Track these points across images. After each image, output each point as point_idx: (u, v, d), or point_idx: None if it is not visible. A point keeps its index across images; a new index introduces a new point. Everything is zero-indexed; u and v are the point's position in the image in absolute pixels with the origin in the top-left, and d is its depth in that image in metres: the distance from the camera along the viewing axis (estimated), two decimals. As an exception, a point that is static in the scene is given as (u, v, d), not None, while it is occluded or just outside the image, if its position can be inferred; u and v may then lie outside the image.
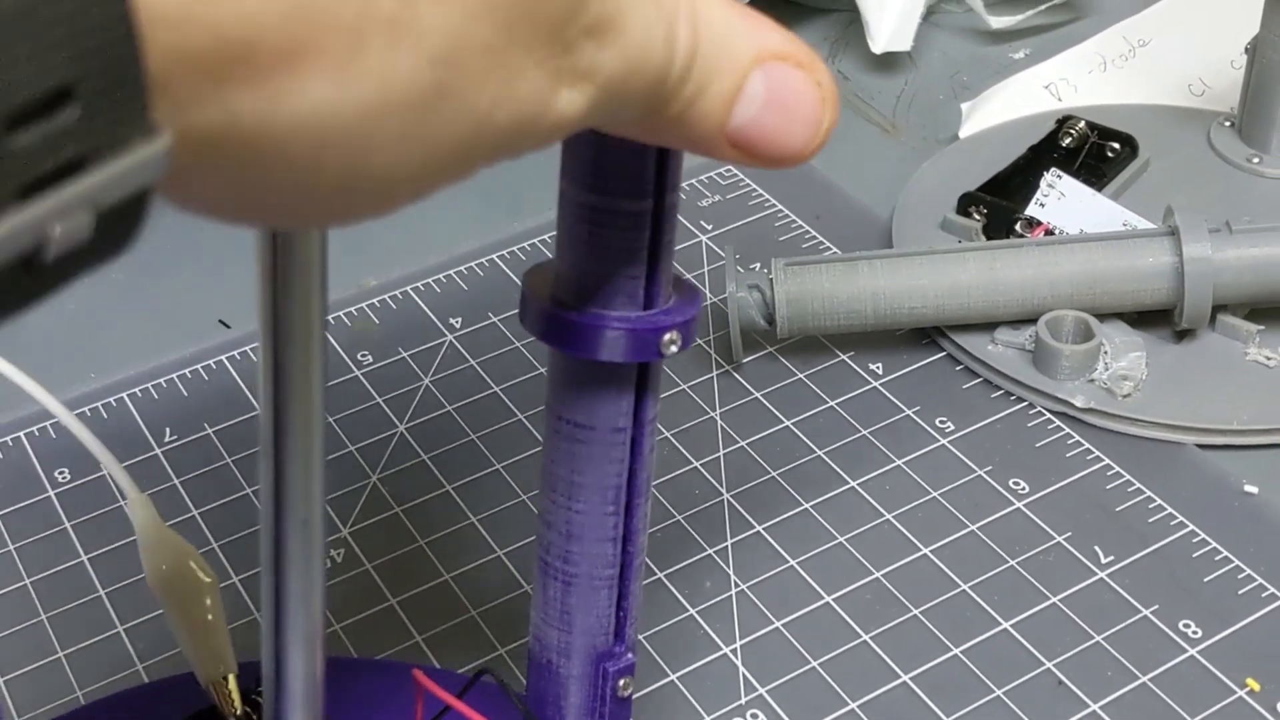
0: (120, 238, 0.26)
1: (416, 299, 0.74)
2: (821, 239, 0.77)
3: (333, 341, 0.71)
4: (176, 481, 0.64)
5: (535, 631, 0.49)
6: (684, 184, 0.80)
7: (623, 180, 0.41)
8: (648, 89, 0.34)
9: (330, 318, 0.71)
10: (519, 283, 0.73)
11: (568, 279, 0.43)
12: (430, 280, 0.75)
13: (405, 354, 0.71)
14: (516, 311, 0.72)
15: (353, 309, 0.73)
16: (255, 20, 0.26)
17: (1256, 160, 0.79)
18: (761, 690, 0.56)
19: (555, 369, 0.45)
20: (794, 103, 0.36)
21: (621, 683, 0.48)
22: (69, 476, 0.65)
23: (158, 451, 0.66)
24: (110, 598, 0.60)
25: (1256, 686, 0.56)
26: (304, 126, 0.27)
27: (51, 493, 0.64)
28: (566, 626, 0.48)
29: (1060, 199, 0.74)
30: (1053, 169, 0.76)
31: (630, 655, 0.48)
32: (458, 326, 0.73)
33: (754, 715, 0.56)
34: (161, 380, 0.69)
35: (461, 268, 0.76)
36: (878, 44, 0.90)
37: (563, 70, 0.32)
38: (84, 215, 0.24)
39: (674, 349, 0.43)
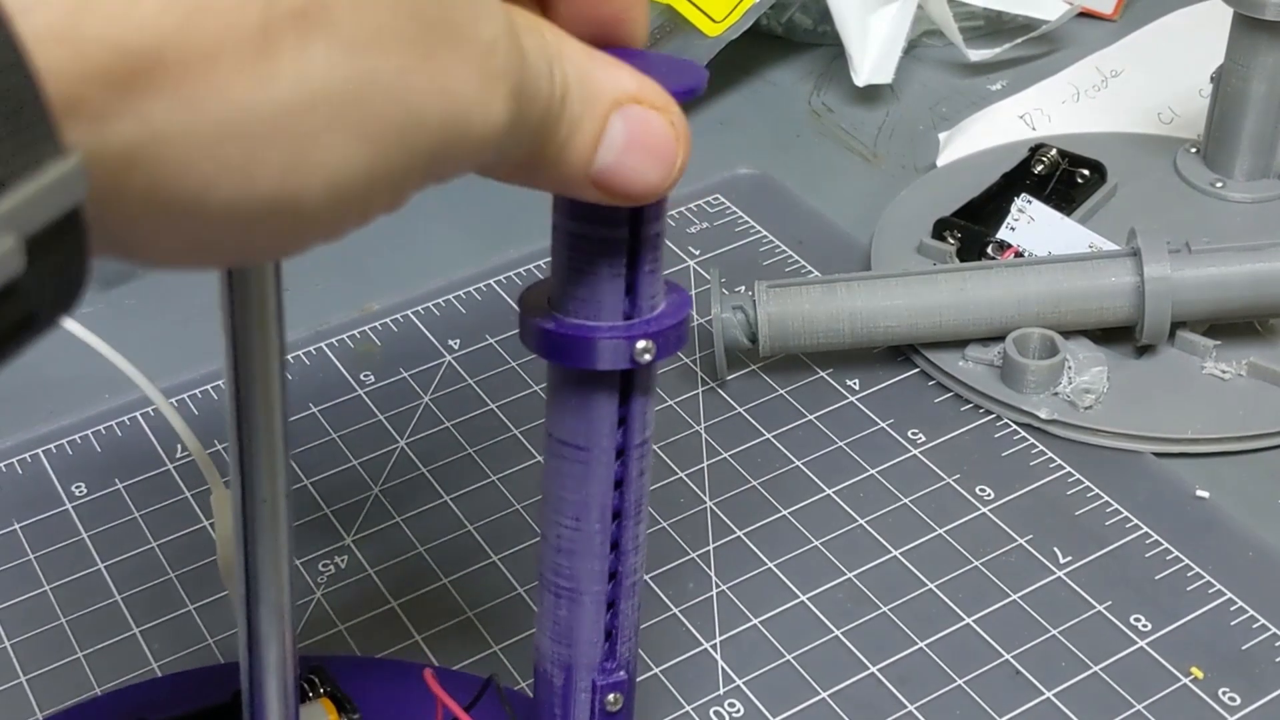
0: (65, 276, 0.26)
1: (416, 322, 0.78)
2: (804, 263, 0.81)
3: (336, 362, 0.75)
4: (189, 495, 0.68)
5: (535, 641, 0.52)
6: (675, 211, 0.84)
7: (598, 209, 0.44)
8: (538, 120, 0.36)
9: (335, 340, 0.75)
10: (515, 305, 0.77)
11: (556, 296, 0.46)
12: (430, 304, 0.79)
13: (406, 374, 0.75)
14: (513, 333, 0.76)
15: (355, 331, 0.77)
16: (152, 28, 0.26)
17: (1220, 185, 0.83)
18: (739, 681, 0.60)
19: (549, 388, 0.48)
20: (652, 144, 0.38)
21: (610, 698, 0.51)
22: (85, 490, 0.69)
23: (170, 467, 0.69)
24: (126, 602, 0.64)
25: (1200, 674, 0.59)
26: (229, 129, 0.28)
27: (69, 505, 0.68)
28: (559, 639, 0.51)
29: (1030, 223, 0.78)
30: (1023, 194, 0.79)
31: (622, 673, 0.51)
32: (456, 348, 0.76)
33: (731, 704, 0.59)
34: (173, 400, 0.73)
35: (460, 292, 0.80)
36: (860, 77, 0.93)
37: (490, 73, 0.33)
38: (9, 239, 0.25)
39: (648, 357, 0.45)
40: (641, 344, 0.45)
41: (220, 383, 0.74)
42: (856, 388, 0.73)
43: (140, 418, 0.72)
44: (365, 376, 0.74)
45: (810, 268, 0.80)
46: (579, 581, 0.49)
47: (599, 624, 0.50)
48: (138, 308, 0.79)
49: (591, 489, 0.48)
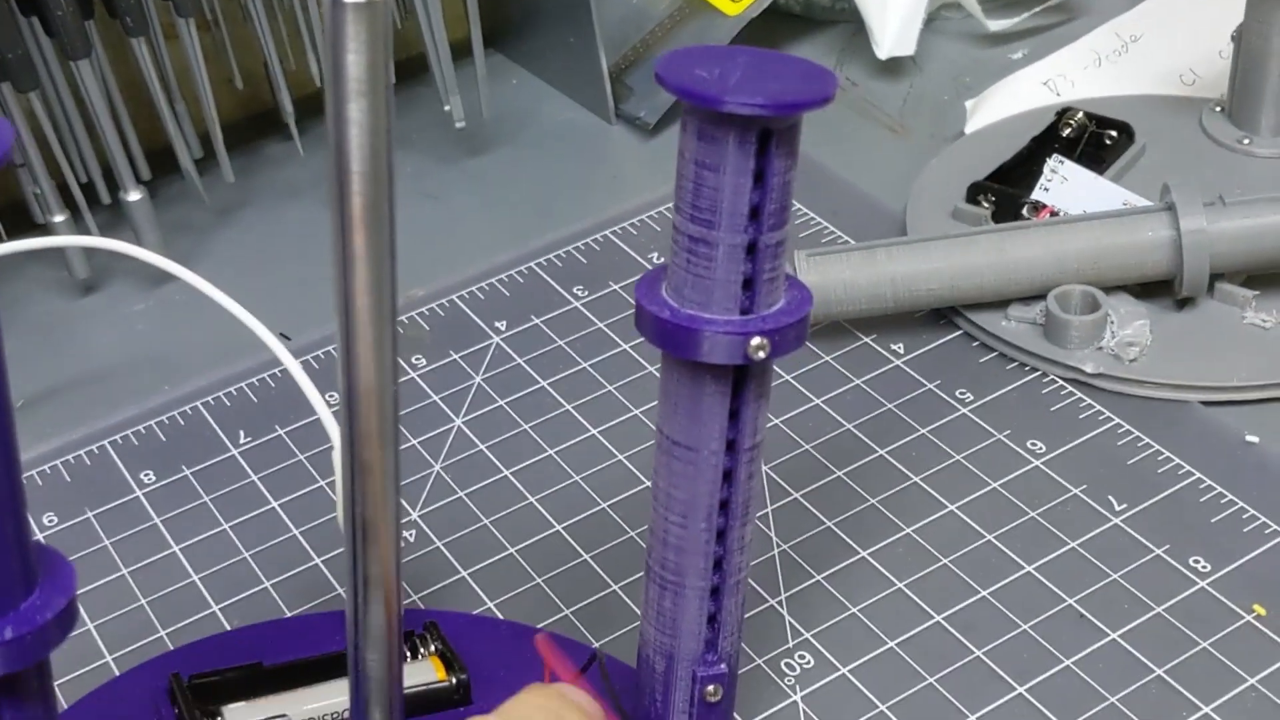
0: None
1: (462, 305, 0.79)
2: (839, 232, 0.82)
3: (388, 347, 0.76)
4: (255, 478, 0.69)
5: (641, 627, 0.53)
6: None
7: (717, 215, 0.45)
8: None
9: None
10: (558, 288, 0.78)
11: (672, 284, 0.47)
12: (474, 288, 0.80)
13: (456, 356, 0.76)
14: (558, 312, 0.77)
15: (404, 318, 0.78)
16: None
17: (1247, 141, 0.84)
18: (806, 635, 0.61)
19: (662, 382, 0.49)
20: None
21: (710, 689, 0.52)
22: (154, 478, 0.70)
23: (235, 452, 0.71)
24: (204, 581, 0.65)
25: (1263, 611, 0.61)
26: None
27: (139, 493, 0.69)
28: (663, 629, 0.52)
29: (1063, 183, 0.79)
30: (1055, 155, 0.80)
31: (722, 666, 0.52)
32: (503, 329, 0.77)
33: (802, 657, 0.60)
34: (232, 389, 0.74)
35: (502, 275, 0.81)
36: (882, 50, 0.95)
37: None
38: None
39: (762, 355, 0.46)
40: (756, 341, 0.46)
41: (276, 371, 0.75)
42: (901, 351, 0.74)
43: (201, 407, 0.73)
44: (417, 360, 0.75)
45: (846, 237, 0.81)
46: (684, 576, 0.50)
47: (702, 618, 0.51)
48: (185, 302, 0.80)
49: (699, 489, 0.49)
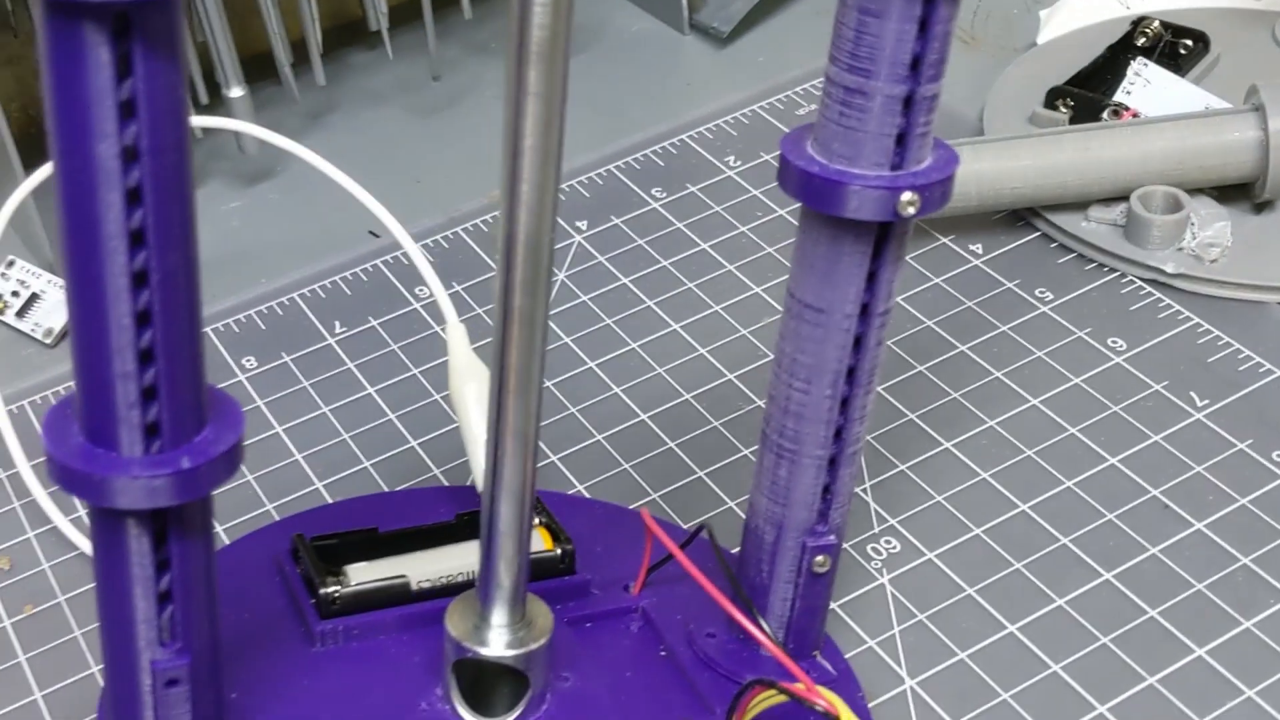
0: None
1: (545, 205, 0.80)
2: (917, 138, 0.82)
3: (472, 244, 0.77)
4: (351, 365, 0.71)
5: (751, 497, 0.53)
6: (784, 95, 0.86)
7: (877, 64, 0.44)
8: None
9: (469, 225, 0.78)
10: (636, 189, 0.79)
11: (821, 139, 0.46)
12: (555, 189, 0.81)
13: (540, 253, 0.77)
14: (638, 213, 0.78)
15: (488, 216, 0.79)
16: None
17: (1321, 53, 0.85)
18: (892, 521, 0.63)
19: (798, 244, 0.48)
20: None
21: (819, 560, 0.52)
22: (255, 363, 0.71)
23: (330, 341, 0.72)
24: (306, 460, 0.67)
25: (1348, 504, 0.62)
26: None
27: (241, 377, 0.71)
28: (776, 498, 0.52)
29: (1146, 86, 0.80)
30: (1139, 58, 0.81)
31: (832, 537, 0.52)
32: (584, 229, 0.78)
33: (888, 541, 0.62)
34: (326, 282, 0.75)
35: (582, 178, 0.82)
36: (954, -38, 0.95)
37: None
38: None
39: (911, 210, 0.45)
40: (907, 196, 0.45)
41: (368, 265, 0.76)
42: (980, 252, 0.75)
43: (298, 298, 0.74)
44: (499, 258, 0.76)
45: (924, 143, 0.82)
46: (802, 444, 0.50)
47: (817, 487, 0.51)
48: (279, 201, 0.82)
49: (827, 354, 0.49)
